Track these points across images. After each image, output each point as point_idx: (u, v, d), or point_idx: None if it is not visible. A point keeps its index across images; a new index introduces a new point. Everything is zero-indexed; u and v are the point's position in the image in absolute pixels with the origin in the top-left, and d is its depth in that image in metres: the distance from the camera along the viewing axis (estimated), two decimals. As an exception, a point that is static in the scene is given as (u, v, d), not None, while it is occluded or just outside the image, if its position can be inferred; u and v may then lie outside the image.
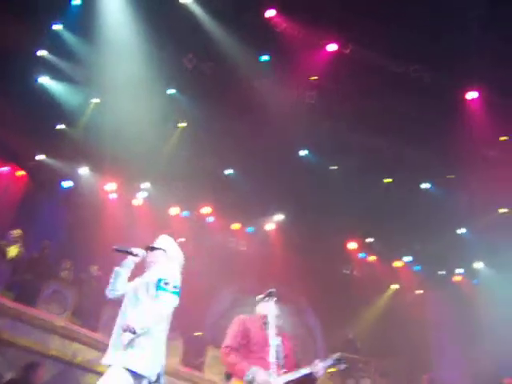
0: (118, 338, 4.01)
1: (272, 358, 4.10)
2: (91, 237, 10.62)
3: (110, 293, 4.30)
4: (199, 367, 10.16)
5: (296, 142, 11.29)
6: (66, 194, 11.83)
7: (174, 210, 12.85)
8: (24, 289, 8.95)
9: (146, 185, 12.38)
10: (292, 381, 4.17)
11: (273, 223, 13.11)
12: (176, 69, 10.53)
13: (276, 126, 10.36)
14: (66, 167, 11.67)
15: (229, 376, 4.20)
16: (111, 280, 4.32)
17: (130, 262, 4.32)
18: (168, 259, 4.31)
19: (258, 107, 10.26)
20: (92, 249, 10.53)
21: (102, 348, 8.80)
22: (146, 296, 4.06)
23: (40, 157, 11.51)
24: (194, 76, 10.53)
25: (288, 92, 10.38)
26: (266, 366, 4.18)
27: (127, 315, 4.04)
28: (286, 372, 4.16)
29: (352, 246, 13.22)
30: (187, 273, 11.43)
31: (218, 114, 10.41)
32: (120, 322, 4.08)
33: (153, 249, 4.32)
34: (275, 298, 4.49)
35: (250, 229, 13.41)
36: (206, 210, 12.95)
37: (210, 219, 13.08)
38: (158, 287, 4.03)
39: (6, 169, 11.35)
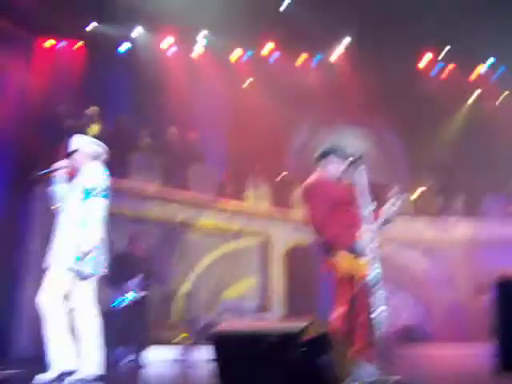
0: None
1: (368, 222, 4.13)
2: (160, 99, 10.60)
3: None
4: (290, 206, 10.61)
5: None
6: (125, 58, 11.61)
7: (237, 53, 12.44)
8: (113, 163, 9.29)
9: (204, 33, 11.86)
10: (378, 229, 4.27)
11: (340, 48, 12.45)
12: None
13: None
14: (121, 31, 11.31)
15: (328, 247, 4.25)
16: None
17: (58, 177, 4.32)
18: (88, 156, 4.30)
19: None
20: (163, 111, 10.59)
21: (196, 205, 9.45)
22: (80, 207, 4.10)
23: (93, 24, 11.16)
24: None
25: None
26: (357, 226, 4.28)
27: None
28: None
29: (427, 57, 12.44)
30: (262, 114, 11.39)
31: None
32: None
33: (69, 154, 4.31)
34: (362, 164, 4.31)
35: (317, 57, 12.86)
36: (269, 46, 12.42)
37: (275, 55, 12.60)
38: (87, 196, 4.09)
39: (63, 44, 11.16)
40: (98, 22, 11.13)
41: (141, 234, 7.10)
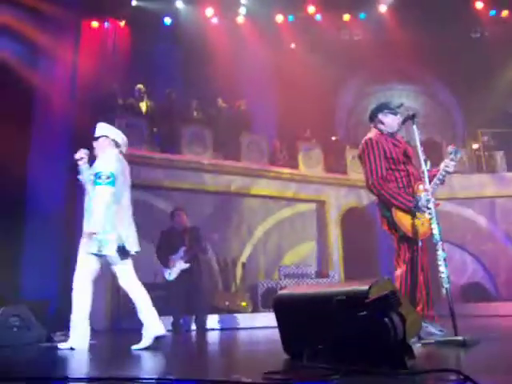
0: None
1: (426, 180, 4.06)
2: (206, 70, 10.63)
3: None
4: (342, 170, 10.51)
5: None
6: (169, 31, 11.66)
7: (279, 18, 12.26)
8: (165, 138, 9.50)
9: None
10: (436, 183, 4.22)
11: (385, 4, 12.05)
12: None
13: None
14: (162, 5, 11.35)
15: (386, 207, 4.22)
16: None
17: (81, 166, 4.59)
18: (109, 144, 4.54)
19: None
20: (211, 82, 10.62)
21: (248, 174, 9.51)
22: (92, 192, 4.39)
23: (134, 2, 11.25)
24: None
25: None
26: (415, 182, 4.23)
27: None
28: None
29: (479, 3, 11.86)
30: (308, 77, 11.21)
31: None
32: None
33: (95, 139, 4.56)
34: (416, 121, 4.23)
35: (362, 16, 12.50)
36: (311, 8, 12.17)
37: (318, 17, 12.34)
38: (95, 183, 4.31)
39: (107, 24, 11.33)
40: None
41: (181, 209, 7.22)
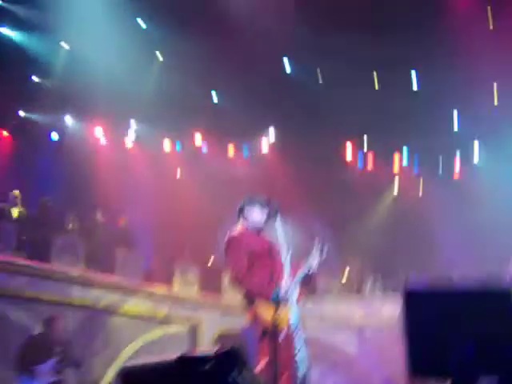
0: None
1: (286, 271, 4.15)
2: (89, 185, 10.59)
3: None
4: (218, 292, 10.42)
5: (278, 53, 11.04)
6: (54, 146, 11.66)
7: (167, 144, 12.77)
8: (34, 246, 9.01)
9: (134, 124, 12.19)
10: (302, 282, 4.31)
11: (267, 141, 13.07)
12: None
13: (256, 40, 10.05)
14: (50, 120, 11.44)
15: (248, 300, 4.22)
16: None
17: None
18: None
19: (233, 26, 9.89)
20: (92, 196, 10.55)
21: (120, 290, 9.10)
22: None
23: (21, 113, 11.25)
24: (164, 4, 10.05)
25: (263, 3, 9.96)
26: (278, 277, 4.28)
27: None
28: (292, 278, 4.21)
29: (349, 151, 13.26)
30: (191, 204, 11.49)
31: (196, 39, 10.02)
32: None
33: None
34: (278, 214, 4.40)
35: (245, 151, 13.38)
36: (198, 138, 12.87)
37: (204, 149, 13.01)
38: None
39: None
40: (26, 111, 11.25)
41: (60, 316, 6.71)
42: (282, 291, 4.15)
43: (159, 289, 9.73)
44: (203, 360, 2.45)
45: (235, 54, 10.47)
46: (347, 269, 11.21)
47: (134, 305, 9.32)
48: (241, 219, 4.59)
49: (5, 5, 9.79)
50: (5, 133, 11.28)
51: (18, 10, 9.91)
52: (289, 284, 4.16)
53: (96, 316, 8.91)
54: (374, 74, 11.69)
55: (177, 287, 10.00)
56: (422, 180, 12.90)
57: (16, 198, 9.47)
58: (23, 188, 9.78)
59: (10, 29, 10.13)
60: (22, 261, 8.37)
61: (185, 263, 10.50)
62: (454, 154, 12.50)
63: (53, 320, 6.58)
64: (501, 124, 10.87)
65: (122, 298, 9.18)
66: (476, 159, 12.33)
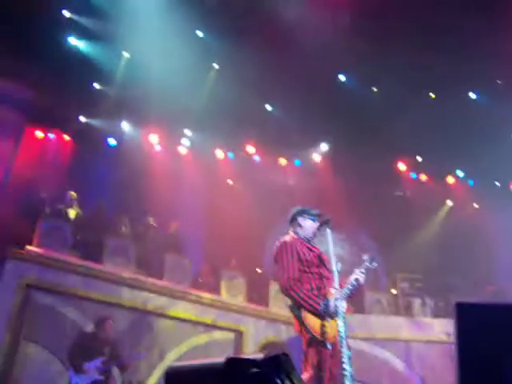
0: None
1: (335, 282, 4.14)
2: (142, 190, 10.85)
3: None
4: (264, 302, 10.44)
5: (334, 67, 11.05)
6: (112, 151, 12.02)
7: (219, 153, 12.93)
8: (88, 247, 9.31)
9: (188, 132, 12.43)
10: (349, 295, 4.28)
11: (319, 153, 13.05)
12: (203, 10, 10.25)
13: (312, 54, 10.09)
14: (109, 125, 11.81)
15: (297, 308, 4.22)
16: None
17: None
18: None
19: (290, 38, 9.96)
20: (145, 201, 10.80)
21: (169, 294, 9.27)
22: None
23: (82, 118, 11.66)
24: (222, 14, 10.24)
25: (320, 17, 9.99)
26: (327, 287, 4.28)
27: None
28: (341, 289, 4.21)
29: (402, 166, 13.07)
30: (241, 213, 11.58)
31: (253, 49, 10.15)
32: None
33: None
34: (329, 226, 4.44)
35: (296, 162, 13.39)
36: (251, 148, 12.97)
37: (256, 158, 13.11)
38: None
39: (52, 136, 11.59)
40: (86, 117, 11.66)
41: (110, 317, 6.89)
42: (331, 302, 4.14)
43: (206, 295, 9.83)
44: (251, 362, 2.48)
45: (291, 65, 10.53)
46: (396, 285, 11.02)
47: (181, 309, 9.46)
48: (291, 229, 4.63)
49: (73, 16, 10.22)
50: (66, 137, 11.72)
51: (85, 21, 10.33)
52: (337, 296, 4.14)
53: (144, 318, 9.10)
54: (431, 94, 11.55)
55: (224, 295, 10.08)
56: (477, 192, 12.60)
57: (72, 198, 9.82)
58: (80, 190, 10.12)
59: (76, 38, 10.54)
60: (76, 260, 8.67)
61: (232, 271, 10.59)
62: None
63: (103, 321, 6.75)
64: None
65: (169, 301, 9.35)
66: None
